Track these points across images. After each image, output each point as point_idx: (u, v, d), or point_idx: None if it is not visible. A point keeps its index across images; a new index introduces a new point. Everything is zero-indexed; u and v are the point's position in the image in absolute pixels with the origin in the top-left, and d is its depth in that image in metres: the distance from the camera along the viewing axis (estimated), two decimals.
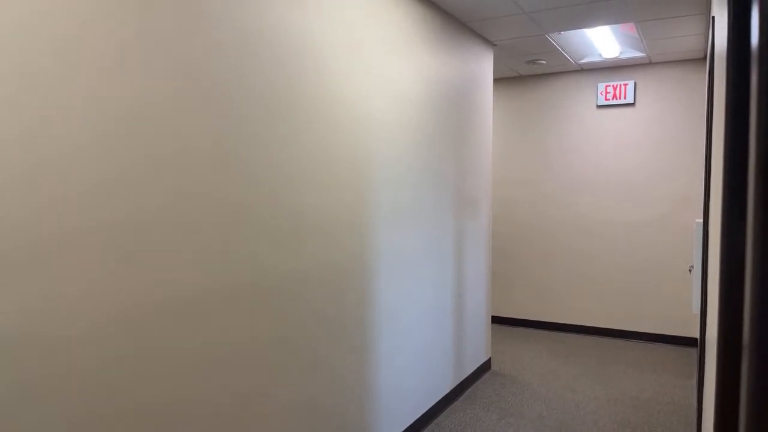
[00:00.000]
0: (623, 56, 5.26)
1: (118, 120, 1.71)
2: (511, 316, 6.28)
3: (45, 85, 1.51)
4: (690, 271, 3.95)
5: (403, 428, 3.40)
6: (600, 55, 5.26)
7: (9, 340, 1.44)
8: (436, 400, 3.82)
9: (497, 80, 6.23)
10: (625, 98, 5.60)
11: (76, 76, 1.59)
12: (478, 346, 4.56)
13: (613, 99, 5.65)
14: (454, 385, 4.10)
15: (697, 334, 5.30)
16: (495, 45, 4.74)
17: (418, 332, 3.57)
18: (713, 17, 2.55)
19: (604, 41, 4.85)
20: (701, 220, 3.55)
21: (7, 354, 1.44)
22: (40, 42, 1.50)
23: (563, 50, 5.02)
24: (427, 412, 3.67)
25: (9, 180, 1.44)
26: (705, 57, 5.20)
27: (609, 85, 5.67)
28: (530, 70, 5.81)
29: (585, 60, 5.42)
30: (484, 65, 4.52)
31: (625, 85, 5.59)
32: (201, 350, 2.00)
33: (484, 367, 4.67)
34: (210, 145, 2.02)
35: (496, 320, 6.35)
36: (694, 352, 5.29)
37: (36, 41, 1.49)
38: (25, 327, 1.48)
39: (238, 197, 2.14)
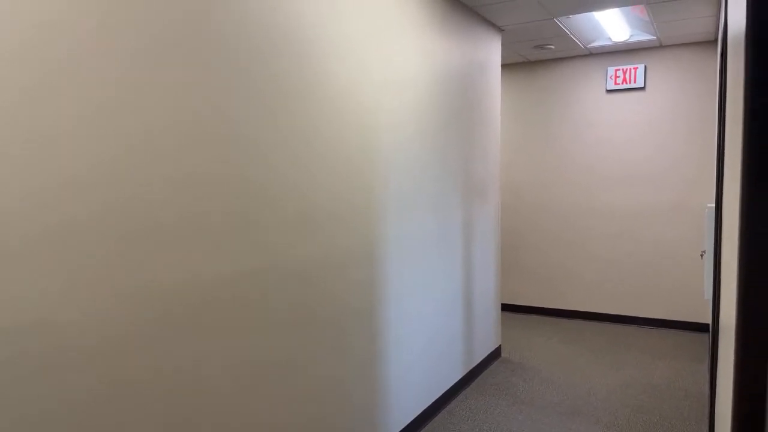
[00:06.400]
0: (633, 39, 5.19)
1: (132, 108, 1.70)
2: (521, 304, 6.27)
3: (91, 78, 1.51)
4: (702, 256, 3.92)
5: (414, 416, 3.41)
6: (609, 38, 5.19)
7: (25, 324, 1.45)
8: (447, 388, 3.82)
9: (505, 66, 6.17)
10: (635, 82, 5.52)
11: (113, 68, 1.58)
12: (488, 333, 4.56)
13: (622, 83, 5.58)
14: (465, 373, 4.11)
15: (708, 320, 5.26)
16: (503, 30, 4.68)
17: (427, 319, 3.57)
18: None
19: (613, 24, 4.78)
20: (713, 205, 3.51)
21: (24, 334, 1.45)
22: (72, 32, 1.49)
23: (572, 34, 4.95)
24: (437, 399, 3.68)
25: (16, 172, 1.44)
26: (716, 39, 5.12)
27: (619, 69, 5.59)
28: (538, 55, 5.74)
29: (594, 44, 5.35)
30: (491, 51, 4.47)
31: (635, 68, 5.52)
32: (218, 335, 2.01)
33: (495, 355, 4.67)
34: (226, 132, 2.01)
35: (506, 308, 6.34)
36: (705, 337, 5.26)
37: (64, 31, 1.48)
38: (44, 309, 1.49)
39: (255, 181, 2.14)
